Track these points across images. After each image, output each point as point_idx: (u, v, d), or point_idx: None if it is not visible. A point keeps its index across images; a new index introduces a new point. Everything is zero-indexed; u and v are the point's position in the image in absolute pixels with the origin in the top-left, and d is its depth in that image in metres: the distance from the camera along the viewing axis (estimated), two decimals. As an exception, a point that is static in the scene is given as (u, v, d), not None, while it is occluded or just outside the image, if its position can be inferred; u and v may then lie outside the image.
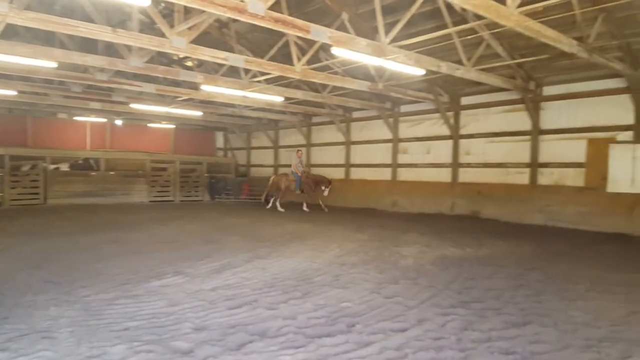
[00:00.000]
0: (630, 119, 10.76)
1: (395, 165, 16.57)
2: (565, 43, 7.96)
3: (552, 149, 12.33)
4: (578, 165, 11.78)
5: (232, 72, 12.74)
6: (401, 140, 16.42)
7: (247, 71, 12.13)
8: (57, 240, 8.83)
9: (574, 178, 11.89)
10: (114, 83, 12.32)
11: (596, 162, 11.29)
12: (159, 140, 23.59)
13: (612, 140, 11.02)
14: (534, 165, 12.65)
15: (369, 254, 7.90)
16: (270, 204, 16.47)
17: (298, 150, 17.05)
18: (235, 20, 10.98)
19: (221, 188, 21.11)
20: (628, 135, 10.84)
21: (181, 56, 14.31)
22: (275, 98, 13.81)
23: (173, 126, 23.44)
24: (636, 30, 9.46)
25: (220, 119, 20.50)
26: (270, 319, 4.41)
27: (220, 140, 26.42)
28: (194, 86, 13.36)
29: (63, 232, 9.88)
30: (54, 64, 9.69)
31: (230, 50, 10.99)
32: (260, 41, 13.10)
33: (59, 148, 19.22)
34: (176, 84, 14.53)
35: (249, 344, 3.77)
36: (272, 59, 10.46)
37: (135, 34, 8.06)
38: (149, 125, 22.76)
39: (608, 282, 5.99)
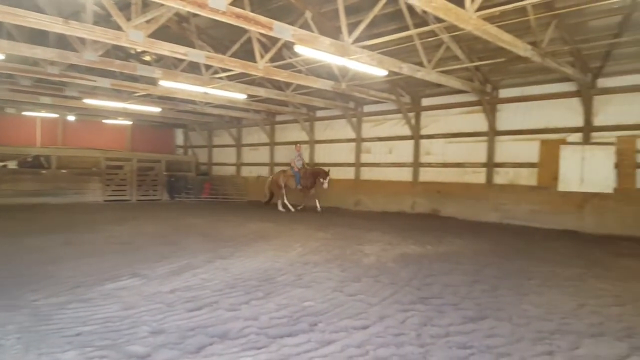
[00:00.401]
0: (579, 122, 11.31)
1: (358, 165, 16.71)
2: (520, 47, 8.25)
3: (507, 149, 12.79)
4: (531, 165, 12.28)
5: (193, 68, 12.48)
6: (364, 140, 16.58)
7: (208, 67, 11.90)
8: (2, 241, 8.37)
9: (528, 177, 12.38)
10: (67, 77, 11.79)
11: (548, 163, 11.79)
12: (114, 137, 22.79)
13: (563, 142, 11.54)
14: (490, 165, 13.07)
15: (331, 252, 7.92)
16: (281, 206, 15.68)
17: (297, 144, 16.22)
18: (195, 15, 10.74)
19: (181, 187, 20.65)
20: (577, 137, 11.38)
21: (139, 50, 13.90)
22: (238, 95, 13.62)
23: (130, 122, 22.70)
24: (586, 36, 9.96)
25: (179, 116, 20.01)
26: (231, 320, 4.33)
27: (180, 138, 25.84)
28: (152, 81, 12.99)
29: (9, 233, 9.38)
30: (0, 56, 9.18)
31: (191, 45, 10.74)
32: (222, 37, 12.89)
33: (7, 145, 18.20)
34: (133, 79, 14.06)
35: (209, 347, 3.69)
36: (234, 55, 10.31)
37: (89, 26, 7.72)
38: (104, 121, 21.94)
39: (559, 277, 6.25)
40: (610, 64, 10.54)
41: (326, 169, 15.08)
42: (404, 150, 15.27)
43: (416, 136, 14.84)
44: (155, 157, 21.24)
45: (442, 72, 10.95)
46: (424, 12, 8.98)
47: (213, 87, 12.39)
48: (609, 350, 3.70)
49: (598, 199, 10.95)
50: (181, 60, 11.49)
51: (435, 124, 14.45)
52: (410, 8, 9.25)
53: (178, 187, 20.61)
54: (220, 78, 12.07)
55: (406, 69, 9.93)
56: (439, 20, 8.07)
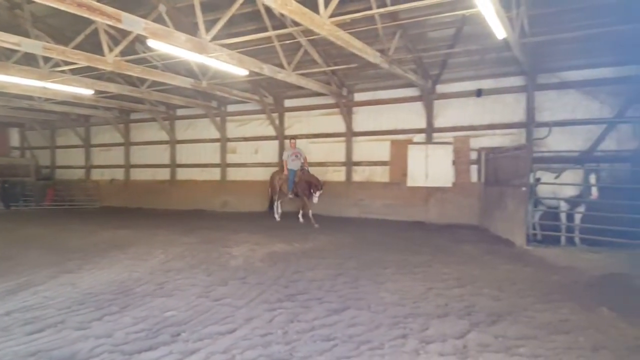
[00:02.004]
0: (423, 123, 12.65)
1: (224, 165, 16.40)
2: (370, 54, 8.89)
3: (363, 149, 13.74)
4: (384, 163, 13.37)
5: (29, 60, 10.95)
6: (229, 139, 16.32)
7: (47, 59, 10.55)
8: None
9: (381, 175, 13.47)
10: None
11: (398, 161, 12.99)
12: None
13: (410, 142, 12.80)
14: (349, 163, 13.91)
15: (196, 257, 7.65)
16: (269, 207, 13.37)
17: (291, 140, 12.97)
18: (30, 2, 9.48)
19: (18, 194, 18.10)
20: (422, 137, 12.73)
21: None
22: (84, 91, 12.28)
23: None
24: (426, 46, 11.16)
25: (14, 113, 17.37)
26: (80, 340, 3.94)
27: (15, 138, 22.49)
28: (-24, 74, 11.08)
29: None
30: None
31: (25, 34, 9.44)
32: (64, 27, 11.56)
33: None
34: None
35: None
36: (78, 47, 9.30)
37: None
38: None
39: (411, 264, 6.91)
40: (447, 71, 11.95)
41: (321, 180, 12.21)
42: (269, 150, 15.42)
43: (281, 136, 15.10)
44: (-15, 160, 18.27)
45: (302, 74, 11.30)
46: (282, 14, 9.16)
47: (53, 82, 11.00)
48: (453, 329, 4.18)
49: (440, 193, 12.39)
50: (14, 51, 9.99)
51: (298, 124, 14.86)
52: (269, 10, 9.38)
53: (14, 194, 18.03)
54: (63, 72, 10.80)
55: (267, 69, 10.02)
56: (296, 23, 8.31)
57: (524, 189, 8.21)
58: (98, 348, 3.77)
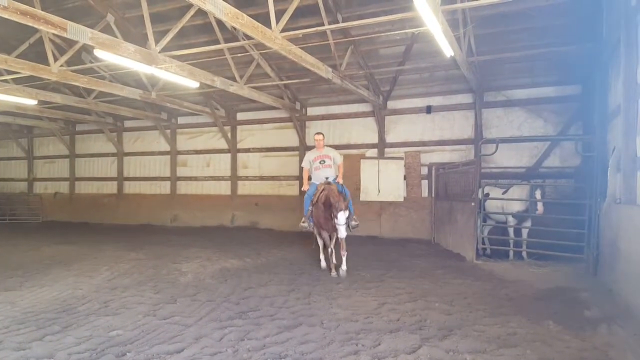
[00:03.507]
0: (375, 138, 12.88)
1: (174, 178, 16.01)
2: (322, 69, 9.02)
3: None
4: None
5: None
6: (180, 152, 15.98)
7: (-13, 68, 10.01)
8: None
9: (335, 188, 13.50)
10: None
11: (351, 175, 13.04)
12: None
13: (362, 156, 12.98)
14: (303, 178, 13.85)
15: (144, 273, 7.41)
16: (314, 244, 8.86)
17: (316, 135, 8.16)
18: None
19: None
20: (374, 152, 12.94)
21: None
22: (27, 101, 11.69)
23: None
24: (377, 62, 11.43)
25: (-54, 123, 16.34)
26: None
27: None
28: None
29: None
30: None
31: (-37, 41, 8.95)
32: (7, 35, 11.00)
33: None
34: None
35: None
36: (22, 56, 8.93)
37: None
38: None
39: (363, 279, 6.96)
40: (397, 88, 12.26)
41: (344, 197, 7.18)
42: (221, 164, 15.22)
43: (233, 150, 14.95)
44: None
45: (255, 88, 11.29)
46: (234, 28, 9.16)
47: (-7, 91, 10.45)
48: (404, 344, 4.23)
49: (392, 207, 12.58)
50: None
51: (251, 137, 14.78)
52: (220, 22, 9.33)
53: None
54: (5, 81, 10.27)
55: (219, 82, 9.95)
56: (248, 37, 8.31)
57: (473, 204, 8.43)
58: None
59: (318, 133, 8.15)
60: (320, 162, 7.92)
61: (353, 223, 7.59)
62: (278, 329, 4.64)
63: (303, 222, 7.99)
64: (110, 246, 10.40)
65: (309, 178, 8.03)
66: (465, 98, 11.63)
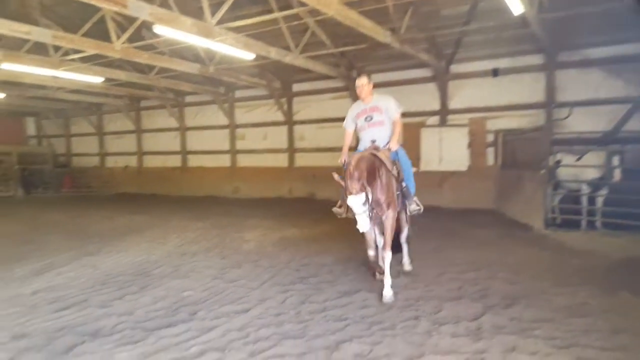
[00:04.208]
0: (436, 105, 12.38)
1: (234, 152, 16.44)
2: (380, 33, 8.73)
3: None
4: (395, 147, 13.16)
5: (40, 49, 11.02)
6: (238, 126, 16.33)
7: (57, 48, 10.62)
8: None
9: (393, 158, 13.24)
10: None
11: (410, 145, 12.69)
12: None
13: (423, 125, 12.55)
14: (360, 148, 13.75)
15: (210, 241, 7.75)
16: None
17: (359, 77, 5.40)
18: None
19: (37, 181, 18.54)
20: (435, 119, 12.47)
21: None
22: (93, 79, 12.34)
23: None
24: (439, 24, 10.74)
25: (29, 103, 17.64)
26: (103, 318, 4.15)
27: (32, 127, 22.80)
28: (-9, 64, 11.20)
29: None
30: None
31: (35, 23, 9.48)
32: (71, 15, 11.56)
33: None
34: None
35: (80, 346, 3.54)
36: (86, 35, 9.34)
37: None
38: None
39: (422, 250, 6.72)
40: (461, 51, 11.57)
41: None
42: (278, 136, 15.38)
43: (289, 122, 15.05)
44: (5, 149, 18.78)
45: (310, 57, 11.17)
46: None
47: (64, 70, 11.09)
48: (466, 311, 4.16)
49: (455, 177, 12.09)
50: (26, 41, 10.08)
51: (307, 109, 14.78)
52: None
53: (34, 181, 18.50)
54: (73, 60, 10.86)
55: (274, 53, 9.94)
56: (302, 4, 8.16)
57: (542, 171, 8.01)
58: (120, 325, 3.96)
59: (361, 75, 5.33)
60: (366, 119, 5.25)
61: (413, 207, 5.25)
62: (338, 294, 4.70)
63: (339, 205, 5.26)
64: (177, 216, 10.93)
65: (356, 145, 5.49)
66: (536, 59, 10.84)
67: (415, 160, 12.30)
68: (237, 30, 8.58)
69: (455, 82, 12.08)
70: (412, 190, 5.24)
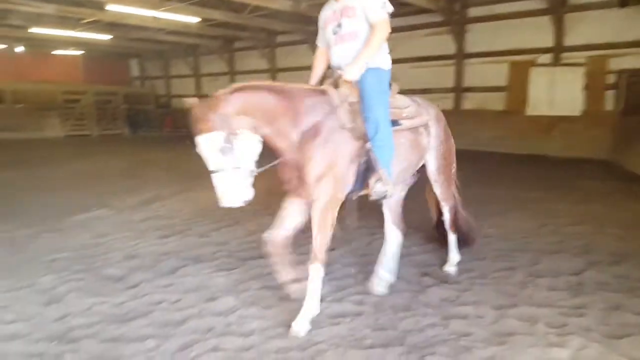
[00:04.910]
0: (549, 42, 11.05)
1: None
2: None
3: (475, 73, 12.51)
4: (499, 89, 12.10)
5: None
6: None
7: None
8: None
9: (496, 102, 12.24)
10: (8, 3, 10.75)
11: (517, 86, 11.61)
12: (66, 69, 21.46)
13: (533, 63, 11.31)
14: (458, 90, 12.90)
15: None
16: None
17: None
18: None
19: (141, 121, 20.03)
20: (547, 58, 11.18)
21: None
22: (190, 19, 12.71)
23: (81, 52, 21.23)
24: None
25: (132, 44, 18.85)
26: (202, 246, 4.52)
27: (135, 69, 24.46)
28: (99, 7, 11.96)
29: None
30: None
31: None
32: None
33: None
34: (79, 4, 12.91)
35: (183, 268, 3.89)
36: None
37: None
38: (54, 52, 20.47)
39: (521, 200, 6.33)
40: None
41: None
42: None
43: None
44: (112, 89, 20.42)
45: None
46: None
47: (163, 10, 11.55)
48: (567, 265, 3.86)
49: (565, 123, 10.93)
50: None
51: (399, 47, 13.91)
52: None
53: (138, 120, 19.99)
54: (171, 0, 11.24)
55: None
56: None
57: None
58: (218, 253, 4.32)
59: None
60: (333, 31, 3.22)
61: (378, 187, 3.04)
62: (423, 240, 4.57)
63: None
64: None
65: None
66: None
67: (522, 103, 11.30)
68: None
69: (572, 15, 10.65)
70: (386, 157, 3.02)
